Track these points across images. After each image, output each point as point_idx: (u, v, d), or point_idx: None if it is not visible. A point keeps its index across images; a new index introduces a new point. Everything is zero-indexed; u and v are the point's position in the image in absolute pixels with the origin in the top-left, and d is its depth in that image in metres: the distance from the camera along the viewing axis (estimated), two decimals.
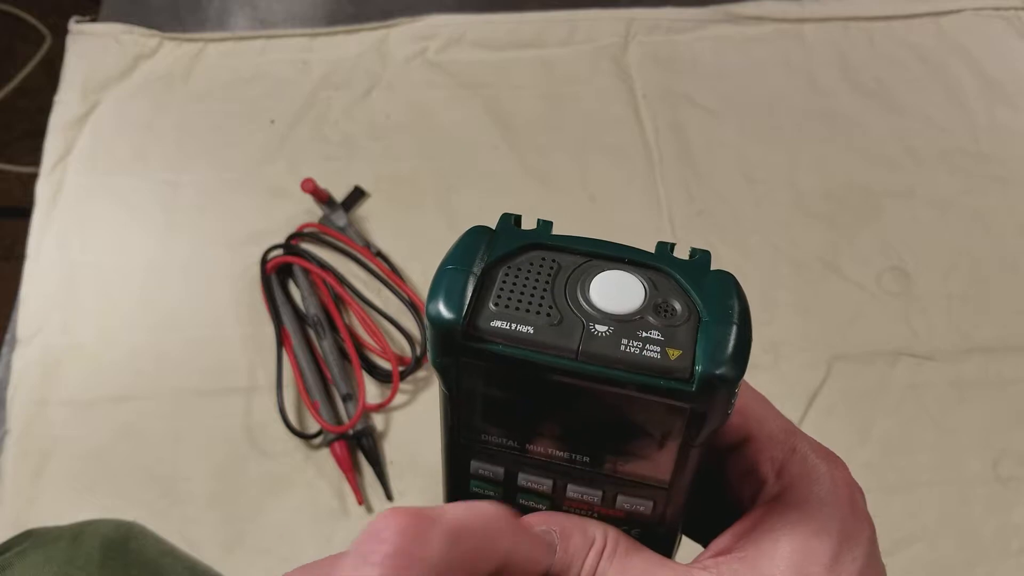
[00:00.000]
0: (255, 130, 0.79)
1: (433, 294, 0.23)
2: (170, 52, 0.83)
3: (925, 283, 0.71)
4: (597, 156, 0.78)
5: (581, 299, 0.22)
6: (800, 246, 0.73)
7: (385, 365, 0.68)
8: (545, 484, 0.26)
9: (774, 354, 0.69)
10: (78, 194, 0.76)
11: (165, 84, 0.81)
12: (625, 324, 0.22)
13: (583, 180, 0.76)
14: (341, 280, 0.70)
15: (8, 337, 0.71)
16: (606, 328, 0.22)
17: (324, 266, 0.70)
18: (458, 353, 0.23)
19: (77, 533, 0.45)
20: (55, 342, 0.70)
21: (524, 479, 0.26)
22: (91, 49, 0.82)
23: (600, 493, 0.25)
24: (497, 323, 0.22)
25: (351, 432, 0.65)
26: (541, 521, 0.25)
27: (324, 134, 0.79)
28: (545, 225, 0.24)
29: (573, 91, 0.81)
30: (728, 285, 0.23)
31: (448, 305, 0.22)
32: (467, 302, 0.22)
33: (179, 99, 0.81)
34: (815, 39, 0.82)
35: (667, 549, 0.27)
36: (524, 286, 0.23)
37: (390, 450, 0.66)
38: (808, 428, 0.71)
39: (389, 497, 0.64)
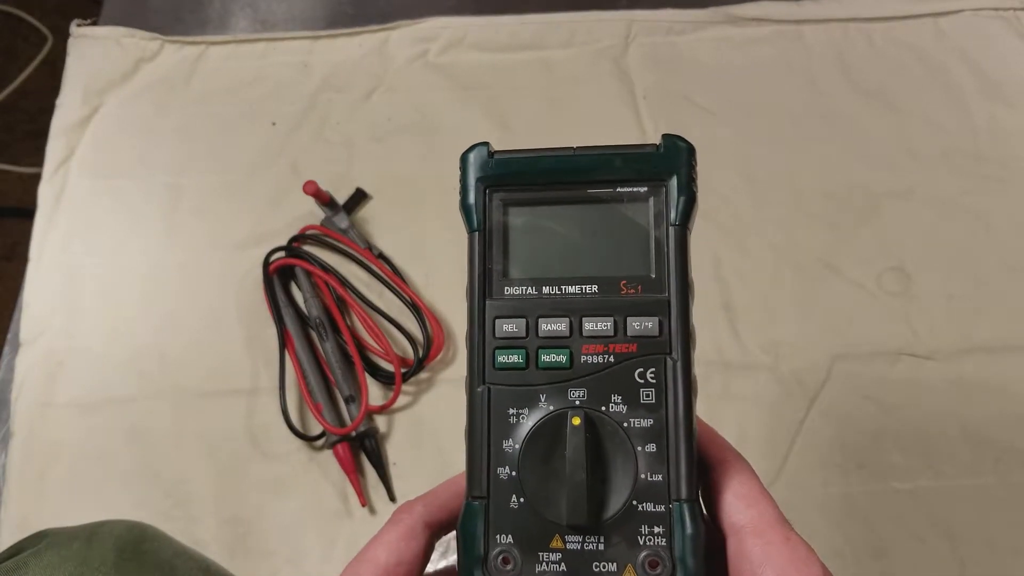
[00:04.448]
0: (257, 132, 0.79)
1: (469, 148, 0.32)
2: (171, 55, 0.83)
3: (925, 283, 0.72)
4: None
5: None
6: (800, 246, 0.73)
7: (388, 367, 0.68)
8: (563, 324, 0.30)
9: (774, 355, 0.69)
10: (81, 197, 0.76)
11: (167, 87, 0.81)
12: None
13: None
14: (343, 282, 0.70)
15: (11, 338, 0.71)
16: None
17: (326, 268, 0.71)
18: (489, 171, 0.32)
19: (91, 533, 0.45)
20: (58, 344, 0.70)
21: (544, 325, 0.30)
22: (92, 52, 0.83)
23: (612, 321, 0.30)
24: (512, 152, 0.32)
25: (354, 434, 0.65)
26: None
27: (326, 136, 0.79)
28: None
29: (573, 92, 0.81)
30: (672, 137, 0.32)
31: (480, 146, 0.32)
32: (492, 151, 0.32)
33: (181, 102, 0.81)
34: (815, 40, 0.82)
35: (686, 389, 0.30)
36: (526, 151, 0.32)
37: (393, 451, 0.67)
38: (809, 429, 0.71)
39: (392, 498, 0.65)
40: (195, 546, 0.53)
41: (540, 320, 0.31)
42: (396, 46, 0.83)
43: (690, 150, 0.31)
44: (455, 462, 0.66)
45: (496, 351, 0.31)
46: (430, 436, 0.67)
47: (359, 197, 0.75)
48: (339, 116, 0.80)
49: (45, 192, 0.76)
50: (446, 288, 0.72)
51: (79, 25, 0.84)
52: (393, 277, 0.71)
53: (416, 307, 0.69)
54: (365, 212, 0.76)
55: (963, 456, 0.65)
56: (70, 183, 0.77)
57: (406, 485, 0.65)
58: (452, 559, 0.31)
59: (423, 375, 0.69)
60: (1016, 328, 0.70)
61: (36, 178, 0.77)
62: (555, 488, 0.29)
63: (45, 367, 0.69)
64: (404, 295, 0.69)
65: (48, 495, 0.65)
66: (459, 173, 0.32)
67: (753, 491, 0.30)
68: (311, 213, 0.74)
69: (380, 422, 0.68)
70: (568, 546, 0.29)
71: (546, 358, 0.30)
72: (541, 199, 0.32)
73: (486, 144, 0.32)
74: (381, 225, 0.75)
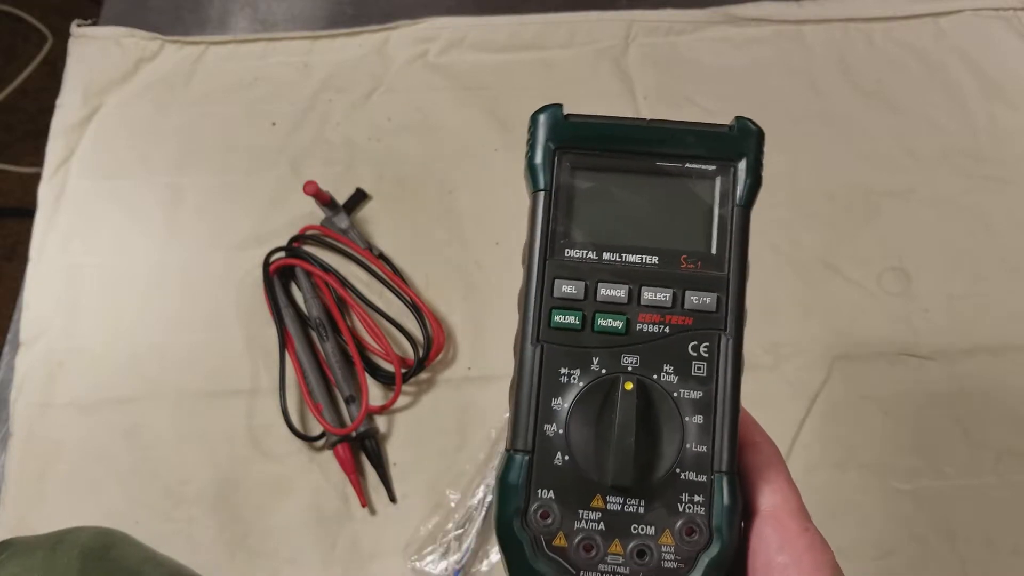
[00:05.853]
0: (257, 133, 0.79)
1: (540, 108, 0.33)
2: (171, 55, 0.83)
3: (925, 283, 0.72)
4: None
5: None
6: (800, 246, 0.73)
7: (388, 367, 0.68)
8: (622, 291, 0.31)
9: (775, 355, 0.69)
10: (81, 197, 0.76)
11: (167, 87, 0.81)
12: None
13: None
14: (343, 282, 0.70)
15: (11, 338, 0.71)
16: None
17: (326, 268, 0.71)
18: (561, 133, 0.32)
19: (56, 542, 0.45)
20: (58, 345, 0.70)
21: (603, 290, 0.31)
22: (93, 52, 0.82)
23: (671, 293, 0.31)
24: (586, 117, 0.32)
25: (354, 434, 0.65)
26: None
27: (326, 136, 0.79)
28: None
29: (573, 93, 0.80)
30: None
31: (554, 107, 0.32)
32: (566, 114, 0.32)
33: (181, 102, 0.81)
34: (815, 40, 0.82)
35: (736, 365, 0.31)
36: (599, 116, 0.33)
37: (393, 452, 0.67)
38: (810, 429, 0.71)
39: (392, 499, 0.65)
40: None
41: (599, 284, 0.31)
42: (396, 46, 0.83)
43: (760, 134, 0.32)
44: (456, 462, 0.66)
45: (553, 311, 0.31)
46: (430, 436, 0.67)
47: (359, 197, 0.75)
48: (339, 116, 0.80)
49: (45, 192, 0.76)
50: (446, 288, 0.72)
51: (79, 25, 0.84)
52: (393, 277, 0.71)
53: (416, 307, 0.69)
54: (365, 212, 0.75)
55: (963, 456, 0.65)
56: (70, 183, 0.76)
57: (406, 485, 0.65)
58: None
59: (423, 375, 0.69)
60: (1016, 328, 0.70)
61: (36, 178, 0.77)
62: (602, 449, 0.30)
63: (45, 367, 0.69)
64: (404, 295, 0.69)
65: (48, 495, 0.65)
66: (528, 134, 0.33)
67: (780, 477, 0.30)
68: (311, 213, 0.74)
69: (380, 422, 0.68)
70: (609, 506, 0.30)
71: (602, 322, 0.31)
72: (610, 166, 0.32)
73: (560, 105, 0.33)
74: (381, 225, 0.75)
